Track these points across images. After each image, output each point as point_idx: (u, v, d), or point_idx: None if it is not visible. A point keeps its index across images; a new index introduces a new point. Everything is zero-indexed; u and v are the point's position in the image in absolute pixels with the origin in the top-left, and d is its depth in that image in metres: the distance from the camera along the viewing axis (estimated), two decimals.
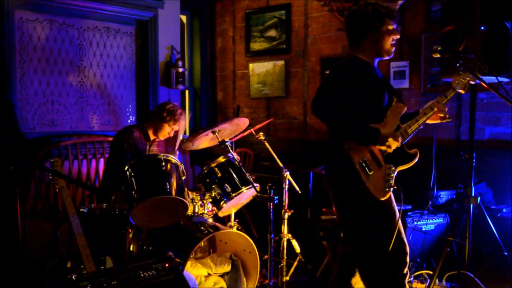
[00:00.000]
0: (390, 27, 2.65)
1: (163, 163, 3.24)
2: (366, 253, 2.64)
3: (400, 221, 2.68)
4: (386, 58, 2.73)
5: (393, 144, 2.55)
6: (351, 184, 2.56)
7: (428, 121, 2.75)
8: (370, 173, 2.52)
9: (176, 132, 4.00)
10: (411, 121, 2.69)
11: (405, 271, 2.63)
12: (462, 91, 2.74)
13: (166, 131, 3.90)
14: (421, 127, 2.72)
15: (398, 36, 2.69)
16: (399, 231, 2.63)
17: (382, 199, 2.54)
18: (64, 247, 3.98)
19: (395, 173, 2.58)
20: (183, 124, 3.96)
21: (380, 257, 2.58)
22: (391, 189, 2.55)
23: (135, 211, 3.14)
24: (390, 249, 2.53)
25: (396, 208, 2.66)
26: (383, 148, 2.56)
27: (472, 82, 2.76)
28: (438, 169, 3.22)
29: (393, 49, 2.70)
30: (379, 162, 2.56)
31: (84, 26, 4.97)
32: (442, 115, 2.71)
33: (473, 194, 3.25)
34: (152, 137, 3.98)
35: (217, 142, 3.53)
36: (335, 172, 2.66)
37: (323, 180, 2.77)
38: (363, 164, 2.53)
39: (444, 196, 3.90)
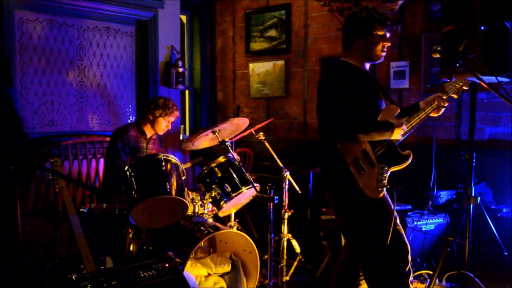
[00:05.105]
0: (381, 33, 2.65)
1: (163, 163, 3.24)
2: (365, 252, 2.64)
3: (399, 222, 2.69)
4: (376, 62, 2.76)
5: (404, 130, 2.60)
6: (345, 183, 2.57)
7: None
8: (363, 172, 2.53)
9: (172, 123, 4.02)
10: (404, 120, 2.73)
11: (407, 270, 2.64)
12: (455, 96, 2.83)
13: (163, 124, 3.95)
14: (414, 128, 2.76)
15: (389, 44, 2.71)
16: (399, 231, 2.64)
17: (375, 198, 2.55)
18: (64, 247, 3.98)
19: (388, 173, 2.60)
20: (177, 114, 3.99)
21: (380, 255, 2.59)
22: (384, 188, 2.57)
23: (135, 211, 3.13)
24: (388, 243, 2.53)
25: (392, 207, 2.66)
26: (399, 136, 2.58)
27: (465, 88, 2.81)
28: (438, 169, 3.21)
29: (383, 54, 2.72)
30: (371, 161, 2.57)
31: (84, 26, 4.97)
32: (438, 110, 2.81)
33: (473, 194, 3.25)
34: (149, 134, 3.99)
35: (217, 142, 3.53)
36: (329, 172, 2.68)
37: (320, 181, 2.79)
38: (356, 163, 2.54)
39: (444, 196, 3.90)
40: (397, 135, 2.58)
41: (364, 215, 2.60)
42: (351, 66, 2.68)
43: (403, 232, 2.69)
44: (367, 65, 2.76)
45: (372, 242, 2.60)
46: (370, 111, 2.63)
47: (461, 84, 2.80)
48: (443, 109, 2.81)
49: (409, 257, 2.66)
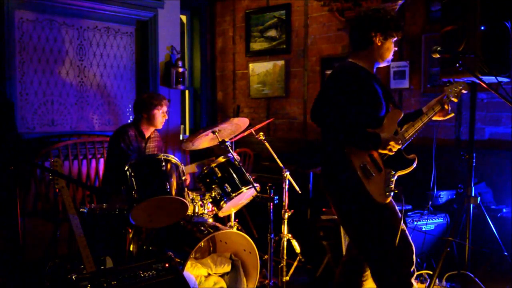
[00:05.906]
0: (397, 37, 2.68)
1: (163, 163, 3.24)
2: (373, 255, 2.64)
3: (402, 222, 2.69)
4: (384, 65, 2.75)
5: (395, 147, 2.56)
6: (352, 187, 2.56)
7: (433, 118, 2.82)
8: (371, 177, 2.52)
9: (167, 112, 4.01)
10: (407, 126, 2.72)
11: (411, 270, 2.65)
12: (455, 99, 2.82)
13: (160, 115, 3.92)
14: (418, 133, 2.75)
15: (396, 48, 2.73)
16: (403, 231, 2.64)
17: (383, 203, 2.54)
18: (64, 247, 3.98)
19: (395, 177, 2.59)
20: (167, 101, 4.00)
21: (387, 257, 2.59)
22: (392, 193, 2.56)
23: (135, 211, 3.14)
24: (396, 245, 2.53)
25: (397, 208, 2.67)
26: (386, 151, 2.56)
27: (464, 91, 2.84)
28: (438, 169, 3.21)
29: (392, 57, 2.74)
30: (379, 166, 2.57)
31: (84, 26, 4.97)
32: (444, 114, 2.80)
33: (473, 194, 3.25)
34: (147, 134, 3.98)
35: (217, 142, 3.53)
36: (336, 176, 2.65)
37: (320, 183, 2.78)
38: (364, 168, 2.53)
39: (444, 196, 3.90)
40: (394, 147, 2.55)
41: (371, 220, 2.59)
42: (361, 69, 2.65)
43: (407, 232, 2.69)
44: (375, 69, 2.74)
45: (380, 246, 2.60)
46: (375, 116, 2.62)
47: (460, 88, 2.81)
48: (452, 114, 2.81)
49: (414, 257, 2.67)
